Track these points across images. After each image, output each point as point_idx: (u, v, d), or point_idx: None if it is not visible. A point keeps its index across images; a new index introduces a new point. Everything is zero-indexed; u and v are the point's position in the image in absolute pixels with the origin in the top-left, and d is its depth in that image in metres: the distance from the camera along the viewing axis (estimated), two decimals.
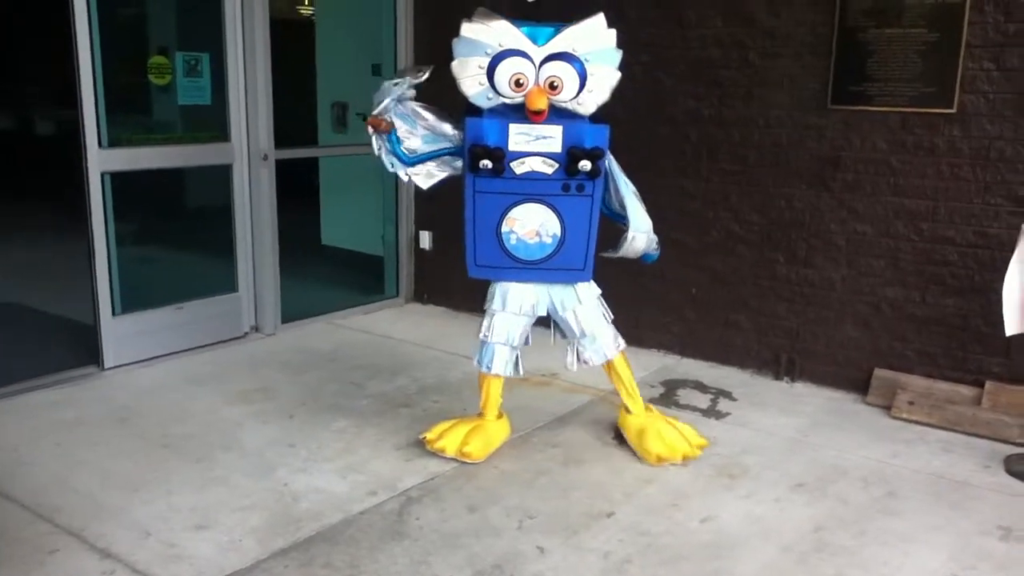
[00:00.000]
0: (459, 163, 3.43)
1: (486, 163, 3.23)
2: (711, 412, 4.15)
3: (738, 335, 4.73)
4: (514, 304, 3.49)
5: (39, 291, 5.91)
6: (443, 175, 3.49)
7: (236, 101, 4.90)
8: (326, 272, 6.30)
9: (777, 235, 4.52)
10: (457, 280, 5.82)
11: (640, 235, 3.40)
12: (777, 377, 4.60)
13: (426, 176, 3.49)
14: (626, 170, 3.45)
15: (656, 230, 3.49)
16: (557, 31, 3.16)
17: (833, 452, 3.70)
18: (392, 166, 3.44)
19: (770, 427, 3.97)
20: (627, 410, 3.67)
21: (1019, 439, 3.76)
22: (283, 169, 5.10)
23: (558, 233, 3.37)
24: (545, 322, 3.63)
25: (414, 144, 3.42)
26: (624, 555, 2.87)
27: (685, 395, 4.35)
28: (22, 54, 9.78)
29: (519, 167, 3.28)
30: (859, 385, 4.36)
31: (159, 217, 5.17)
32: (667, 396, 4.32)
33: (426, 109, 3.41)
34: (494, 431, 3.61)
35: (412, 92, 3.37)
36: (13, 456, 3.50)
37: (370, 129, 3.38)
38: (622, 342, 3.61)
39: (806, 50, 4.32)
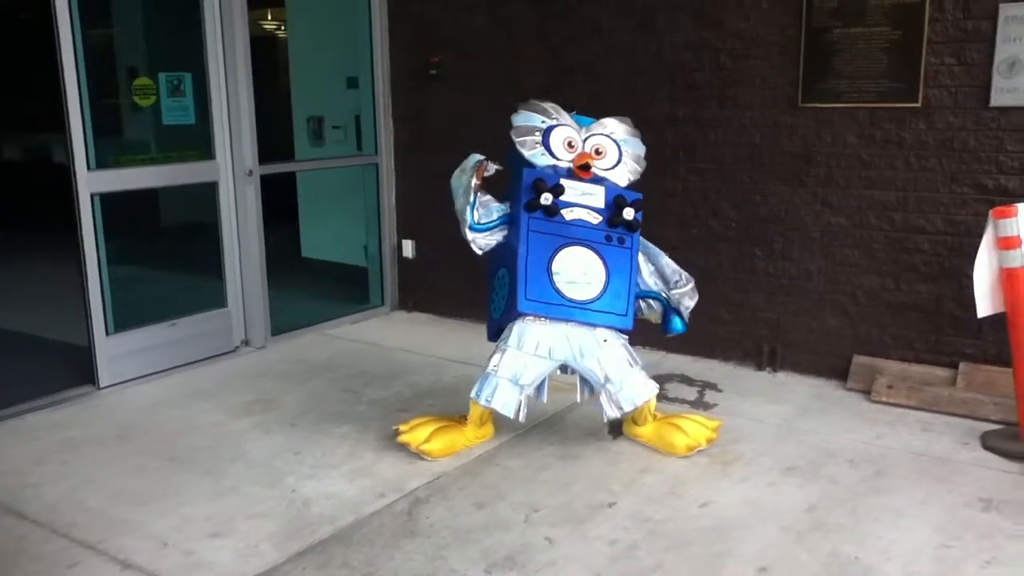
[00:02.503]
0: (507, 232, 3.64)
1: (547, 196, 3.50)
2: (699, 404, 4.29)
3: (721, 328, 4.87)
4: (530, 344, 3.55)
5: (28, 315, 5.92)
6: (496, 240, 3.65)
7: (220, 119, 4.97)
8: (310, 284, 6.37)
9: (755, 230, 4.68)
10: (441, 287, 5.97)
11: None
12: (760, 368, 4.75)
13: (485, 241, 3.66)
14: None
15: None
16: (595, 121, 3.72)
17: (820, 436, 3.86)
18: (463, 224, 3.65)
19: (758, 415, 4.11)
20: (635, 423, 3.78)
21: (994, 416, 3.93)
22: (263, 184, 5.15)
23: (603, 278, 3.57)
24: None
25: (481, 215, 3.63)
26: (630, 542, 2.99)
27: (673, 389, 4.49)
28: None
29: (569, 214, 3.57)
30: (839, 372, 4.52)
31: (148, 236, 5.23)
32: None
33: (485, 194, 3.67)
34: (463, 435, 3.72)
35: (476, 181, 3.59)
36: (20, 476, 3.54)
37: (475, 181, 3.56)
38: (654, 385, 3.69)
39: (775, 51, 4.48)
